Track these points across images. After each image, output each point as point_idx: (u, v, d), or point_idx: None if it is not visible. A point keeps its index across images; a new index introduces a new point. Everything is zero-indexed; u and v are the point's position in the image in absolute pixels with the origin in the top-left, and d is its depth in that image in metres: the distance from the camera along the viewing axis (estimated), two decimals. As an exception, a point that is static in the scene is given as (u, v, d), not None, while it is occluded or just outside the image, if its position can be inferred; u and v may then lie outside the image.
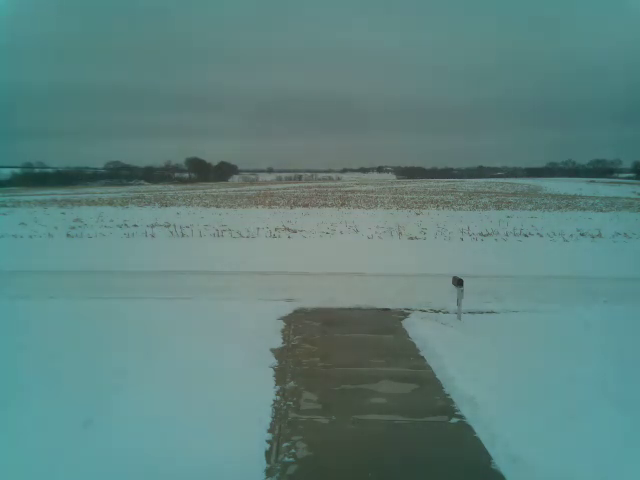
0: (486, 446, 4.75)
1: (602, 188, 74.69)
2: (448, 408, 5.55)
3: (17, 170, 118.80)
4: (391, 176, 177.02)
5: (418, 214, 30.14)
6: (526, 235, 20.46)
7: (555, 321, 8.55)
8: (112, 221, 25.58)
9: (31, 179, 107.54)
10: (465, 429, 5.10)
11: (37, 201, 44.08)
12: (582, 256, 15.73)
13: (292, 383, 6.14)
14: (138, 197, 50.39)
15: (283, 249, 16.79)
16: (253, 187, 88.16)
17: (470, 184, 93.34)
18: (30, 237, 19.55)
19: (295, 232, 21.04)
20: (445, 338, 7.58)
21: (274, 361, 6.76)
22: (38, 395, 5.63)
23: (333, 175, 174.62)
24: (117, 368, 6.32)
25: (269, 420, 5.19)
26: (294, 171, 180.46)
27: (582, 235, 20.57)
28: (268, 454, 4.62)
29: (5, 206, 37.54)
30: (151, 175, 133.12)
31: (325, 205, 37.90)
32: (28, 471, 4.32)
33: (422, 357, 7.03)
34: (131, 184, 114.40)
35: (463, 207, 36.19)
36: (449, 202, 41.42)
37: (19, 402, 5.50)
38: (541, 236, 20.32)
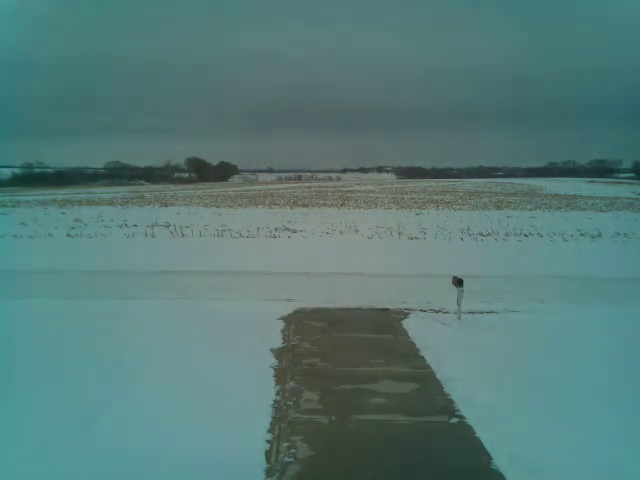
0: (486, 446, 4.75)
1: (602, 188, 74.69)
2: (448, 408, 5.54)
3: (17, 170, 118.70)
4: (391, 176, 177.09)
5: (418, 214, 30.15)
6: (526, 235, 20.46)
7: (555, 321, 8.55)
8: (112, 221, 25.58)
9: (31, 179, 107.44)
10: (465, 429, 5.10)
11: (37, 201, 44.07)
12: (582, 256, 15.73)
13: (292, 383, 6.13)
14: (138, 197, 50.38)
15: (283, 249, 16.78)
16: (253, 187, 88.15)
17: (470, 184, 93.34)
18: (30, 237, 19.55)
19: (295, 232, 21.03)
20: (445, 338, 7.59)
21: (274, 361, 6.76)
22: (38, 395, 5.64)
23: (333, 175, 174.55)
24: (116, 367, 6.34)
25: (269, 420, 5.20)
26: (294, 171, 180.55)
27: (582, 235, 20.57)
28: (268, 454, 4.62)
29: (5, 206, 37.54)
30: (151, 175, 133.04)
31: (325, 205, 37.91)
32: (29, 470, 4.33)
33: (422, 357, 7.03)
34: (131, 184, 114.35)
35: (463, 207, 36.19)
36: (449, 202, 41.42)
37: (20, 402, 5.51)
38: (541, 236, 20.32)
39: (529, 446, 4.63)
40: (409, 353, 7.19)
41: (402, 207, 35.83)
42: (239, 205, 37.72)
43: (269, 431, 4.99)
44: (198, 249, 16.74)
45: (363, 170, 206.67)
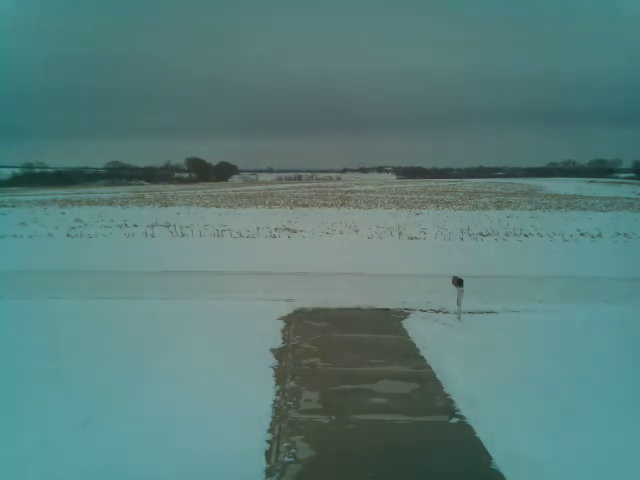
0: (486, 446, 4.75)
1: (602, 188, 74.69)
2: (448, 408, 5.54)
3: (17, 170, 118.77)
4: (391, 176, 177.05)
5: (418, 214, 30.15)
6: (526, 235, 20.46)
7: (555, 321, 8.55)
8: (112, 221, 25.59)
9: (31, 179, 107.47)
10: (465, 429, 5.10)
11: (37, 201, 44.07)
12: (582, 256, 15.72)
13: (292, 383, 6.14)
14: (138, 197, 50.39)
15: (283, 249, 16.78)
16: (253, 187, 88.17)
17: (470, 184, 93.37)
18: (30, 237, 19.56)
19: (295, 232, 21.04)
20: (445, 338, 7.58)
21: (274, 361, 6.76)
22: (39, 394, 5.64)
23: (333, 175, 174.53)
24: (117, 367, 6.34)
25: (269, 420, 5.20)
26: (294, 171, 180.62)
27: (582, 235, 20.57)
28: (268, 454, 4.61)
29: (5, 206, 37.54)
30: (151, 175, 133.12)
31: (325, 205, 37.91)
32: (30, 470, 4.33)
33: (422, 357, 7.03)
34: (131, 184, 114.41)
35: (463, 207, 36.20)
36: (449, 202, 41.42)
37: (20, 401, 5.51)
38: (541, 236, 20.32)
39: (530, 446, 4.63)
40: (409, 353, 7.19)
41: (402, 207, 35.82)
42: (239, 205, 37.72)
43: (269, 431, 4.99)
44: (198, 249, 16.74)
45: (363, 170, 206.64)
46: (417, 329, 8.09)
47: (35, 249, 16.81)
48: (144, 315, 8.65)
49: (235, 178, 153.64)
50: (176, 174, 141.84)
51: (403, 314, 9.08)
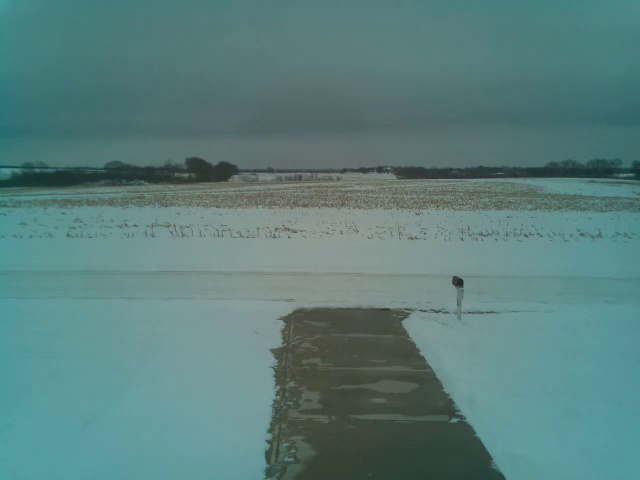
0: (486, 446, 4.75)
1: (602, 188, 74.70)
2: (448, 408, 5.54)
3: (17, 170, 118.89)
4: (391, 176, 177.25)
5: (418, 214, 30.14)
6: (526, 235, 20.46)
7: (555, 321, 8.54)
8: (112, 221, 25.59)
9: (31, 179, 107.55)
10: (465, 429, 5.09)
11: (37, 201, 44.08)
12: (582, 256, 15.72)
13: (292, 383, 6.13)
14: (138, 197, 50.38)
15: (283, 249, 16.78)
16: (253, 187, 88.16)
17: (470, 184, 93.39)
18: (30, 237, 19.56)
19: (295, 232, 21.03)
20: (445, 338, 7.58)
21: (274, 361, 6.76)
22: (40, 395, 5.64)
23: (333, 175, 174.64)
24: (117, 367, 6.34)
25: (269, 420, 5.19)
26: (294, 171, 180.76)
27: (582, 235, 20.56)
28: (268, 454, 4.61)
29: (5, 206, 37.54)
30: (151, 175, 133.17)
31: (325, 205, 37.90)
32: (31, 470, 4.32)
33: (422, 357, 7.02)
34: (131, 184, 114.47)
35: (463, 207, 36.19)
36: (449, 202, 41.42)
37: (21, 401, 5.50)
38: (541, 236, 20.32)
39: (530, 446, 4.62)
40: (409, 353, 7.18)
41: (402, 207, 35.82)
42: (239, 205, 37.71)
43: (269, 431, 4.98)
44: (198, 249, 16.74)
45: (363, 170, 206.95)
46: (417, 329, 8.08)
47: (35, 249, 16.80)
48: (143, 315, 8.65)
49: (235, 178, 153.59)
50: (176, 174, 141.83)
51: (403, 314, 9.08)
